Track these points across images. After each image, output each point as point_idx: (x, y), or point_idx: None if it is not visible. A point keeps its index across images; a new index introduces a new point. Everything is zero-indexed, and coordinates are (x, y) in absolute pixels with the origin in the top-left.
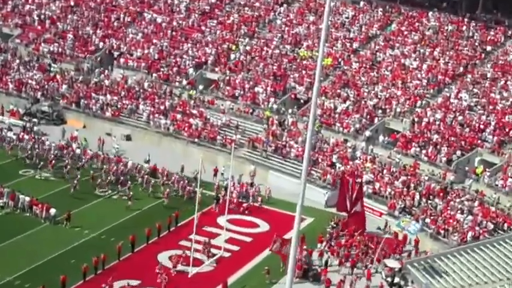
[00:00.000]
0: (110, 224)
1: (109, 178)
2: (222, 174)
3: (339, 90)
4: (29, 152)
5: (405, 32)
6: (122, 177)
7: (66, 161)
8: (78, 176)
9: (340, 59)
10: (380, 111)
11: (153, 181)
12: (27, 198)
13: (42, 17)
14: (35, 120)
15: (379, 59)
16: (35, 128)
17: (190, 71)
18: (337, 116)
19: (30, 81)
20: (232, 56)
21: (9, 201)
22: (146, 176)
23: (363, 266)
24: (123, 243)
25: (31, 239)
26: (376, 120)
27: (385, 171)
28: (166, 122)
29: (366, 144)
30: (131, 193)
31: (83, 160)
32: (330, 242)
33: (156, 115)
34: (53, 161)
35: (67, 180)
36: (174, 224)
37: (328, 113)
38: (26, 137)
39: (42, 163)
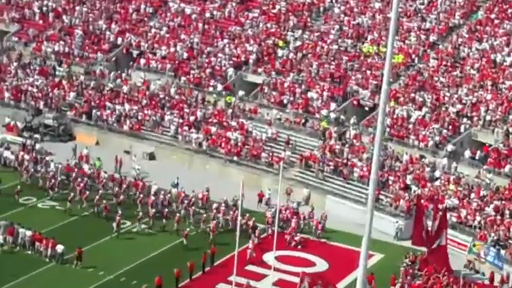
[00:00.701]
0: (131, 264)
1: (150, 210)
2: (269, 199)
3: (413, 95)
4: (29, 175)
5: (495, 21)
6: (165, 209)
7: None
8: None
9: (414, 56)
10: (465, 119)
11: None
12: (29, 233)
13: (45, 9)
14: (36, 136)
15: (463, 54)
16: (37, 146)
17: (229, 72)
18: (411, 126)
19: (30, 88)
20: (280, 54)
21: (7, 237)
22: (193, 207)
23: None
24: (147, 287)
25: (34, 282)
26: (460, 131)
27: (472, 194)
28: (198, 136)
29: (448, 161)
30: (187, 229)
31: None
32: (403, 284)
33: (186, 128)
34: (55, 187)
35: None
36: (210, 263)
37: (400, 123)
38: (27, 157)
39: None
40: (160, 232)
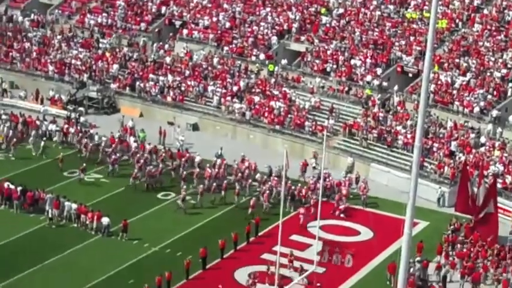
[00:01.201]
0: (176, 235)
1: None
2: (314, 168)
3: (457, 60)
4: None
5: None
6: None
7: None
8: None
9: (457, 20)
10: (510, 84)
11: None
12: (74, 205)
13: None
14: (81, 109)
15: (508, 18)
16: (82, 119)
17: (273, 40)
18: (455, 92)
19: (74, 61)
20: (323, 21)
21: (53, 210)
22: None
23: (495, 280)
24: (192, 258)
25: (80, 255)
26: (505, 96)
27: None
28: (242, 106)
29: (493, 127)
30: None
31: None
32: (448, 252)
33: (229, 98)
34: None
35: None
36: (254, 234)
37: (444, 89)
38: (71, 129)
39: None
40: (205, 203)
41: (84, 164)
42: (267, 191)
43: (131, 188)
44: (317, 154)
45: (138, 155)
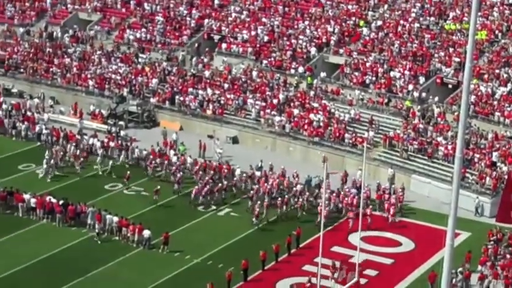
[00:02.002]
0: (218, 247)
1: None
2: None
3: (497, 71)
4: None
5: None
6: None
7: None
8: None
9: (497, 32)
10: None
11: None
12: (116, 219)
13: None
14: (121, 123)
15: None
16: (122, 133)
17: (312, 52)
18: (496, 103)
19: (114, 76)
20: (362, 33)
21: (96, 223)
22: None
23: None
24: (233, 270)
25: (122, 267)
26: None
27: None
28: (281, 119)
29: None
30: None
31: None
32: (491, 262)
33: (268, 111)
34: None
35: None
36: (295, 245)
37: (484, 100)
38: (112, 144)
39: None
40: (246, 215)
41: (129, 172)
42: (304, 202)
43: (172, 201)
44: (327, 158)
45: (200, 173)
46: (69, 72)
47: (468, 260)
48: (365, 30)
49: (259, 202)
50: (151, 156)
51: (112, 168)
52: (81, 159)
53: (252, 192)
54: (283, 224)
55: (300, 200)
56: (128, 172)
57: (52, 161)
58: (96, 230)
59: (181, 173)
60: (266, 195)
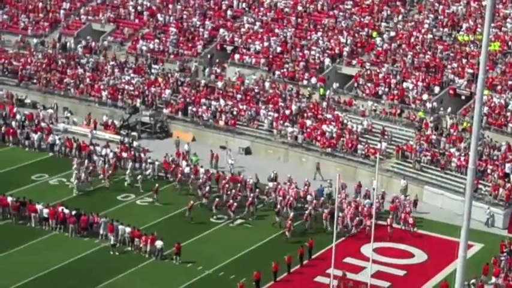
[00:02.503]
0: (230, 258)
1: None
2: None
3: (510, 82)
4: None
5: None
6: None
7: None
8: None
9: (510, 43)
10: None
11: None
12: (128, 229)
13: (140, 8)
14: (134, 134)
15: None
16: (135, 144)
17: (326, 61)
18: (509, 114)
19: (127, 86)
20: (375, 44)
21: (109, 234)
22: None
23: None
24: (245, 281)
25: (134, 278)
26: None
27: None
28: (294, 130)
29: None
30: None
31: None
32: (504, 273)
33: (281, 122)
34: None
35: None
36: (307, 256)
37: (497, 112)
38: (125, 154)
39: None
40: (258, 226)
41: (157, 185)
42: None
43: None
44: (319, 165)
45: (227, 185)
46: (83, 83)
47: (486, 272)
48: (378, 41)
49: (292, 214)
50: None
51: (142, 182)
52: (110, 172)
53: (278, 207)
54: (295, 235)
55: (326, 210)
56: (157, 185)
57: (83, 176)
58: (112, 242)
59: (207, 187)
60: (289, 208)
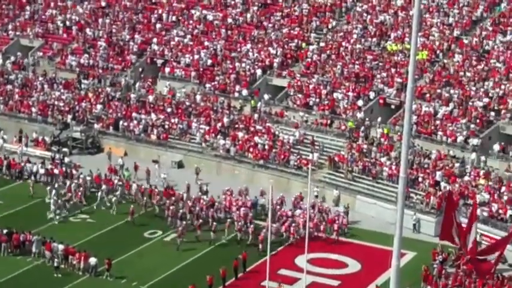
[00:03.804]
0: (164, 273)
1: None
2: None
3: (439, 90)
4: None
5: None
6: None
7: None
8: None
9: (438, 51)
10: (492, 113)
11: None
12: (61, 246)
13: (68, 23)
14: (65, 150)
15: (488, 47)
16: (66, 160)
17: (258, 72)
18: (438, 122)
19: (57, 102)
20: (305, 55)
21: (46, 251)
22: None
23: None
24: None
25: None
26: (488, 125)
27: (503, 188)
28: (226, 142)
29: (477, 156)
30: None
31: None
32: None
33: (213, 135)
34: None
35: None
36: (242, 269)
37: (426, 120)
38: (56, 171)
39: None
40: (191, 240)
41: (132, 206)
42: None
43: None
44: (199, 169)
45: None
46: (12, 99)
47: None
48: (309, 52)
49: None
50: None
51: (116, 204)
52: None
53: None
54: (229, 248)
55: (250, 225)
56: (132, 206)
57: (60, 201)
58: (55, 264)
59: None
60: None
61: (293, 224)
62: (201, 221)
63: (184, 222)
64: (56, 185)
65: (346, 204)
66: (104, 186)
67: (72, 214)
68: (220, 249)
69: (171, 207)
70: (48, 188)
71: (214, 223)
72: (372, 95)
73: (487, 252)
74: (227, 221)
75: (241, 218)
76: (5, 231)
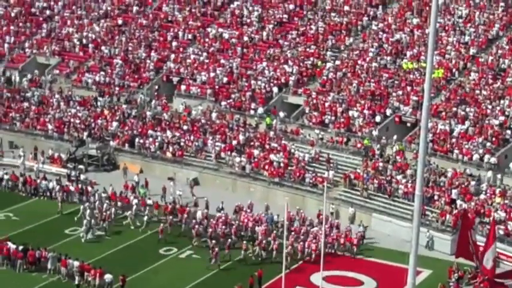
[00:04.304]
0: None
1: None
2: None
3: (454, 109)
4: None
5: None
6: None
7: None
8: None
9: (454, 70)
10: (508, 131)
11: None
12: (76, 263)
13: (85, 41)
14: (81, 167)
15: (504, 66)
16: (82, 177)
17: (275, 90)
18: (454, 140)
19: (73, 119)
20: (321, 74)
21: (62, 268)
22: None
23: None
24: None
25: None
26: (504, 143)
27: None
28: (242, 160)
29: (493, 174)
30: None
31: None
32: None
33: (229, 152)
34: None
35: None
36: (257, 287)
37: (442, 138)
38: (72, 187)
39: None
40: (207, 256)
41: (162, 225)
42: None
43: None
44: (194, 183)
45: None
46: (28, 117)
47: None
48: (325, 70)
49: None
50: (193, 221)
51: (147, 224)
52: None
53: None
54: (244, 265)
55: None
56: (161, 225)
57: (93, 221)
58: (76, 282)
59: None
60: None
61: (313, 240)
62: (229, 240)
63: (214, 241)
64: (90, 205)
65: (360, 222)
66: (135, 206)
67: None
68: (236, 266)
69: (196, 227)
70: (82, 207)
71: (229, 240)
72: (388, 112)
73: (505, 276)
74: (243, 242)
75: (264, 235)
76: (20, 247)
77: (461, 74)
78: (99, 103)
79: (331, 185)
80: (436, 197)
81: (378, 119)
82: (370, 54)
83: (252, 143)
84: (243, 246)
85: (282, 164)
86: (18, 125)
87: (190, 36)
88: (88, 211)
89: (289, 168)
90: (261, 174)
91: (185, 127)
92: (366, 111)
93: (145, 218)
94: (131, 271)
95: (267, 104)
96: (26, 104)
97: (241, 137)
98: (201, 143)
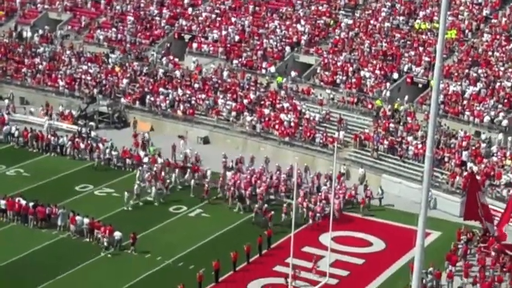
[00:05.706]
0: (188, 248)
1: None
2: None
3: (466, 70)
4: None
5: None
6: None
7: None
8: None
9: (467, 31)
10: None
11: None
12: (86, 220)
13: None
14: (91, 124)
15: None
16: (92, 134)
17: (287, 50)
18: (465, 102)
19: (84, 76)
20: (332, 33)
21: (70, 225)
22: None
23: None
24: (204, 271)
25: (93, 269)
26: None
27: None
28: (252, 119)
29: (504, 136)
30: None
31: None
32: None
33: (239, 111)
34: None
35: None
36: (266, 246)
37: (454, 100)
38: (82, 145)
39: None
40: (216, 216)
41: (207, 186)
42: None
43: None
44: (186, 134)
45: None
46: (39, 73)
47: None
48: (337, 29)
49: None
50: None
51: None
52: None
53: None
54: (253, 225)
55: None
56: (206, 185)
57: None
58: (105, 244)
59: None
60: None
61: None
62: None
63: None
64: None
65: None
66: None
67: (98, 188)
68: (245, 226)
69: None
70: (137, 172)
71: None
72: (399, 73)
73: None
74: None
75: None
76: (31, 204)
77: (474, 35)
78: (110, 60)
79: (341, 145)
80: (446, 159)
81: (389, 79)
82: (383, 14)
83: (262, 102)
84: (283, 210)
85: (292, 124)
86: (29, 80)
87: None
88: (139, 175)
89: (300, 128)
90: (271, 134)
91: (196, 85)
92: (377, 72)
93: (165, 191)
94: (140, 229)
95: (280, 62)
96: (37, 60)
97: (252, 96)
98: (212, 102)
